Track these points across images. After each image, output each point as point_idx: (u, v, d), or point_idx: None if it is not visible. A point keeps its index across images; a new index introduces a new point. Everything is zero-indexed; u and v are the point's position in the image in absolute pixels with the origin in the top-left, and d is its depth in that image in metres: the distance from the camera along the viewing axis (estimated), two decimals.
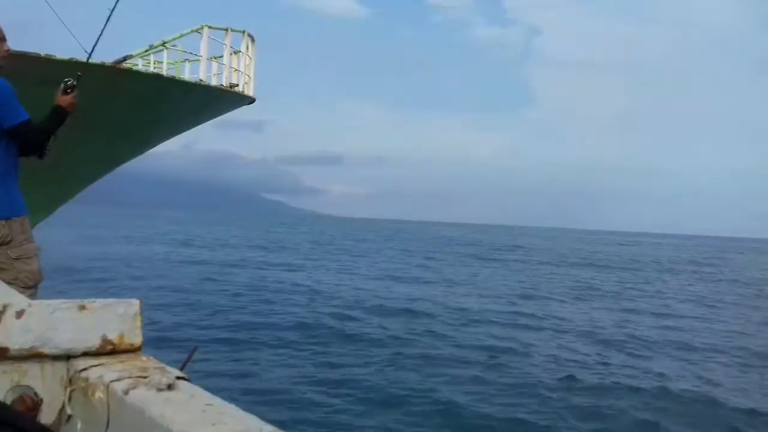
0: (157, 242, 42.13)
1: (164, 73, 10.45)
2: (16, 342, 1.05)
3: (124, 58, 9.42)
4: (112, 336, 1.12)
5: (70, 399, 1.08)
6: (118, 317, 1.13)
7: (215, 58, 10.97)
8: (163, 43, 10.25)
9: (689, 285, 29.68)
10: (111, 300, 1.15)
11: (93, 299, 1.14)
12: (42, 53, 7.99)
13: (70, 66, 8.29)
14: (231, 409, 0.84)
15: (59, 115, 3.73)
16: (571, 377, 10.19)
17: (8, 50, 3.69)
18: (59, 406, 1.08)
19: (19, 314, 1.06)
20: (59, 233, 28.54)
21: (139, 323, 1.15)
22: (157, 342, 10.33)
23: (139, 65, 10.24)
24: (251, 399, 8.36)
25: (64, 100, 3.75)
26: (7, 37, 3.68)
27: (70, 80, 3.82)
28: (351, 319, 15.23)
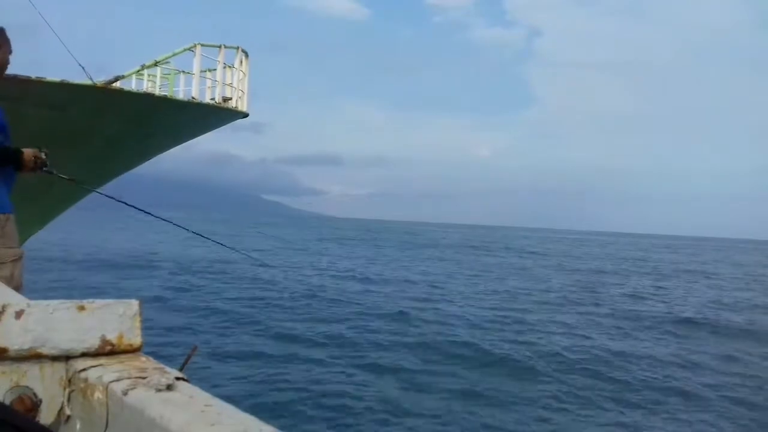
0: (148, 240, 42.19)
1: (158, 88, 10.59)
2: (15, 342, 1.04)
3: (116, 79, 9.55)
4: (112, 336, 1.12)
5: (69, 399, 1.07)
6: (117, 318, 1.13)
7: (209, 70, 11.07)
8: (156, 63, 10.35)
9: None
10: (110, 300, 1.15)
11: (92, 299, 1.14)
12: (33, 76, 8.02)
13: (62, 87, 8.36)
14: (230, 409, 0.84)
15: (12, 156, 3.42)
16: None
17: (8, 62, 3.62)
18: (58, 406, 1.08)
19: (18, 314, 1.05)
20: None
21: (138, 324, 1.15)
22: (156, 341, 10.33)
23: (132, 80, 10.35)
24: (250, 399, 8.37)
25: (28, 155, 3.47)
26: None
27: (46, 153, 3.56)
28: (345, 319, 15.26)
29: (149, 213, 4.34)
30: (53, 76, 8.21)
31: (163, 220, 4.39)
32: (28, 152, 3.47)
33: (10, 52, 3.63)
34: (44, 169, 3.59)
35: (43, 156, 3.54)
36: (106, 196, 4.28)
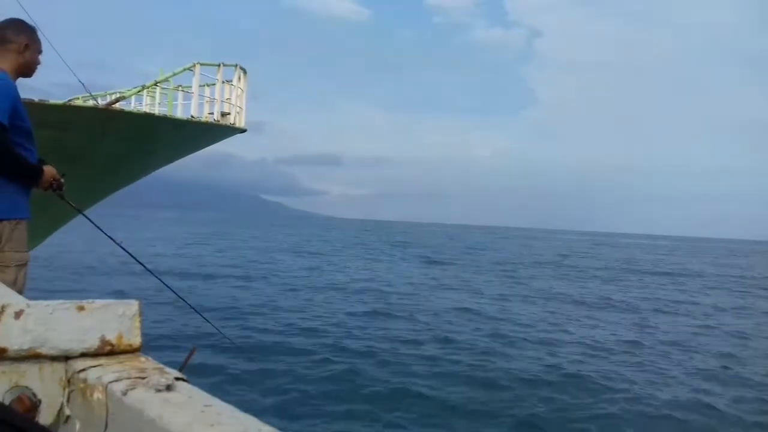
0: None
1: (157, 105, 10.80)
2: (14, 342, 1.05)
3: (117, 100, 9.72)
4: (111, 337, 1.12)
5: (68, 400, 1.07)
6: (117, 318, 1.13)
7: (208, 85, 11.32)
8: (156, 83, 10.58)
9: None
10: (110, 300, 1.15)
11: (92, 300, 1.14)
12: (36, 99, 8.21)
13: (64, 110, 8.51)
14: (230, 410, 0.84)
15: (32, 175, 3.46)
16: None
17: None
18: (58, 406, 1.08)
19: (18, 315, 1.06)
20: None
21: (138, 324, 1.15)
22: (155, 342, 10.32)
23: (131, 101, 10.52)
24: (250, 400, 8.36)
25: (48, 177, 3.53)
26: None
27: (63, 175, 3.66)
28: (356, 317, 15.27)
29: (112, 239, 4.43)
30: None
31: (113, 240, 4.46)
32: (48, 172, 3.51)
33: (40, 51, 3.62)
34: (57, 192, 3.66)
35: (62, 180, 3.63)
36: (91, 221, 4.39)
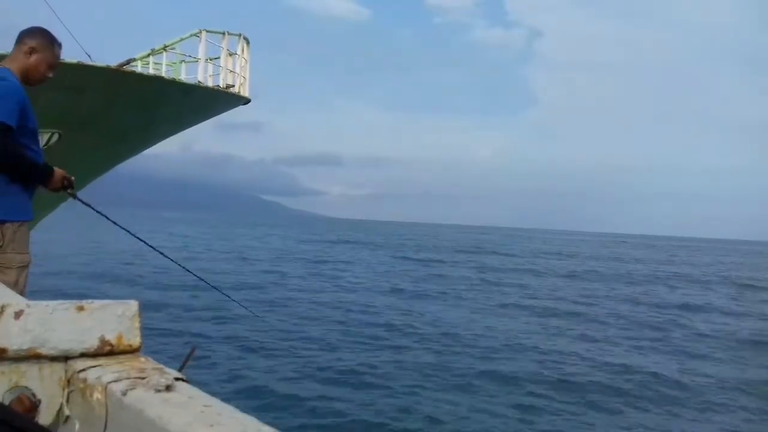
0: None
1: (164, 74, 10.80)
2: (14, 342, 1.04)
3: (128, 62, 9.73)
4: (111, 337, 1.12)
5: (68, 400, 1.07)
6: (116, 318, 1.13)
7: (212, 59, 11.36)
8: (164, 47, 10.62)
9: None
10: (109, 301, 1.15)
11: (91, 300, 1.14)
12: None
13: (77, 69, 8.52)
14: (229, 410, 0.84)
15: (42, 176, 3.40)
16: None
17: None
18: (57, 407, 1.08)
19: (18, 315, 1.06)
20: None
21: (137, 324, 1.15)
22: (156, 342, 10.32)
23: (138, 65, 10.53)
24: (250, 400, 8.36)
25: (57, 177, 3.45)
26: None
27: (74, 192, 3.60)
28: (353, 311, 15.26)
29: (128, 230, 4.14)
30: None
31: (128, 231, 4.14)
32: (58, 173, 3.46)
33: (49, 64, 3.54)
34: (69, 191, 3.57)
35: (72, 178, 3.55)
36: (95, 210, 4.16)
